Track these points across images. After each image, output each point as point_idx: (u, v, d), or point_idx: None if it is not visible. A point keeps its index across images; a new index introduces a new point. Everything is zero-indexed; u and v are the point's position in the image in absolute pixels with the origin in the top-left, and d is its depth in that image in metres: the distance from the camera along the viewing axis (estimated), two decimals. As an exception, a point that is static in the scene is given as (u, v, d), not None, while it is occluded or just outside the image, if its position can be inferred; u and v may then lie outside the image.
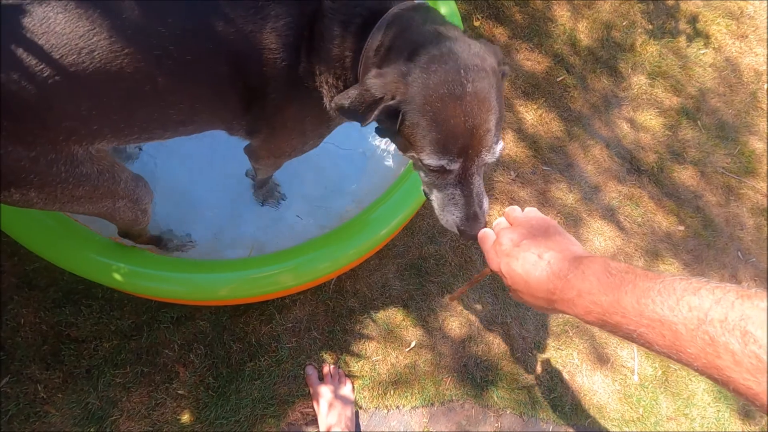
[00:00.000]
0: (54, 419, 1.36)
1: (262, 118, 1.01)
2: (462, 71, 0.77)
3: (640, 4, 2.43)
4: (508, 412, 1.61)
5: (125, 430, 1.39)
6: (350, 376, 1.55)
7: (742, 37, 2.50)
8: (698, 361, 0.47)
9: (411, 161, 0.90)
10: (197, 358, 1.49)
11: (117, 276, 1.26)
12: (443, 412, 1.58)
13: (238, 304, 1.55)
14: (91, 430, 1.37)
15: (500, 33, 2.20)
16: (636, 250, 1.96)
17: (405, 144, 0.85)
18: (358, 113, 0.81)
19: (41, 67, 0.75)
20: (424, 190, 0.95)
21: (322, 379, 1.51)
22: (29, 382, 1.38)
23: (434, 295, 1.69)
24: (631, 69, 2.29)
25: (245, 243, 1.58)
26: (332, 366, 1.53)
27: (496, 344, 1.68)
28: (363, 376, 1.55)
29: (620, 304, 0.54)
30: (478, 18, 2.21)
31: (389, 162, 1.72)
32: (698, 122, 2.26)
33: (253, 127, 1.05)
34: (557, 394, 1.66)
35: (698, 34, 2.45)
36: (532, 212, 0.75)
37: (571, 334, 1.76)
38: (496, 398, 1.61)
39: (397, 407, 1.55)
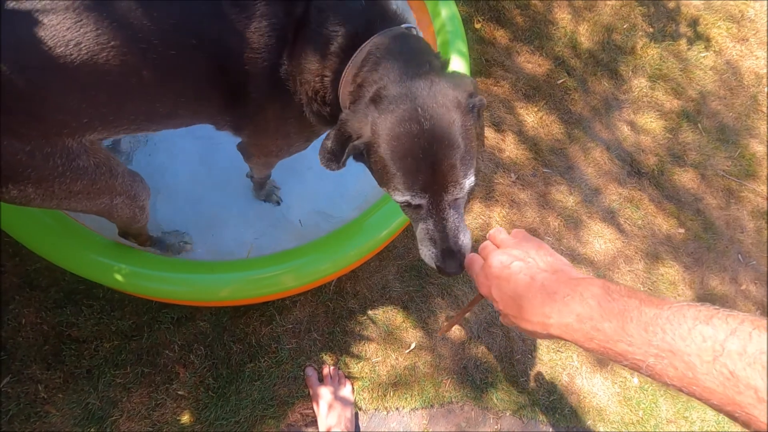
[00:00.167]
0: (54, 419, 1.37)
1: (245, 116, 1.02)
2: (419, 109, 0.78)
3: (640, 7, 2.44)
4: (508, 414, 1.61)
5: (125, 430, 1.39)
6: (350, 377, 1.55)
7: (743, 40, 2.51)
8: (715, 397, 0.44)
9: None
10: (197, 359, 1.49)
11: (118, 276, 1.26)
12: (443, 413, 1.58)
13: (238, 305, 1.55)
14: (92, 430, 1.38)
15: (501, 35, 2.21)
16: (636, 252, 1.96)
17: (377, 180, 0.86)
18: (335, 153, 0.83)
19: (31, 58, 0.75)
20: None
21: (321, 380, 1.51)
22: (30, 382, 1.39)
23: (434, 296, 1.70)
24: (632, 72, 2.30)
25: (245, 244, 1.58)
26: (332, 367, 1.54)
27: (495, 346, 1.68)
28: (363, 377, 1.56)
29: (626, 331, 0.51)
30: (479, 20, 2.21)
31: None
32: (699, 125, 2.26)
33: (238, 124, 1.06)
34: (557, 396, 1.66)
35: (699, 37, 2.45)
36: (521, 234, 0.72)
37: (570, 337, 1.76)
38: (495, 400, 1.61)
39: (397, 409, 1.55)
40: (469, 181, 0.82)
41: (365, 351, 1.59)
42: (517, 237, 0.71)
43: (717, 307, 0.47)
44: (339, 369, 1.55)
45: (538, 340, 1.73)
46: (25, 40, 0.75)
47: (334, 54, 0.89)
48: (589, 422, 1.66)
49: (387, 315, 1.65)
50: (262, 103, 0.98)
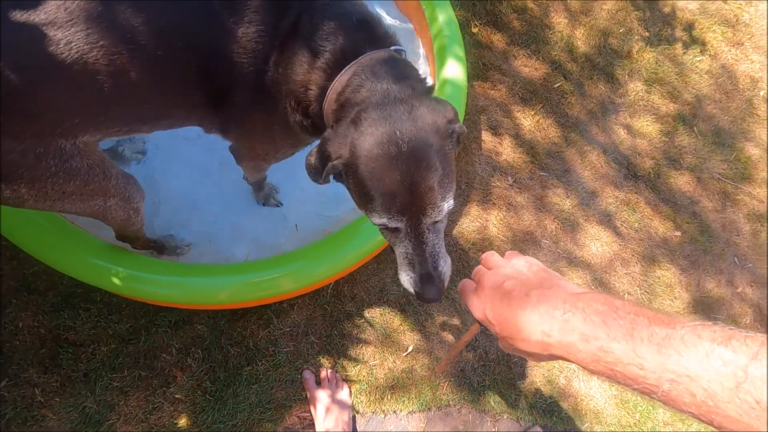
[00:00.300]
0: (51, 423, 1.36)
1: (231, 119, 1.03)
2: (398, 132, 0.78)
3: (636, 12, 2.45)
4: (505, 416, 1.61)
5: (122, 434, 1.39)
6: (347, 380, 1.55)
7: (738, 44, 2.53)
8: (738, 426, 0.41)
9: None
10: (195, 362, 1.49)
11: (115, 280, 1.26)
12: (440, 416, 1.58)
13: (236, 308, 1.56)
14: (88, 434, 1.38)
15: (498, 39, 2.22)
16: (633, 255, 1.97)
17: (356, 201, 0.86)
18: (316, 170, 0.84)
19: (24, 56, 0.76)
20: None
21: (319, 383, 1.51)
22: (27, 386, 1.39)
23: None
24: (628, 75, 2.31)
25: (243, 248, 1.59)
26: (329, 370, 1.54)
27: (492, 349, 1.68)
28: (360, 380, 1.56)
29: (637, 352, 0.47)
30: (476, 25, 2.23)
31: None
32: (695, 128, 2.27)
33: (225, 127, 1.07)
34: (554, 399, 1.66)
35: (694, 41, 2.47)
36: (513, 254, 0.69)
37: (568, 339, 1.76)
38: (493, 403, 1.61)
39: (394, 412, 1.55)
40: (448, 204, 0.82)
41: (363, 354, 1.60)
42: (510, 257, 0.69)
43: (731, 326, 0.44)
44: (336, 372, 1.55)
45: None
46: (18, 38, 0.76)
47: (319, 68, 0.89)
48: (586, 425, 1.66)
49: (384, 318, 1.65)
50: (247, 108, 0.99)
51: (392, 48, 0.93)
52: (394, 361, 1.60)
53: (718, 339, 0.43)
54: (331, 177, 0.85)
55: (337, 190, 1.68)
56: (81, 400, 1.40)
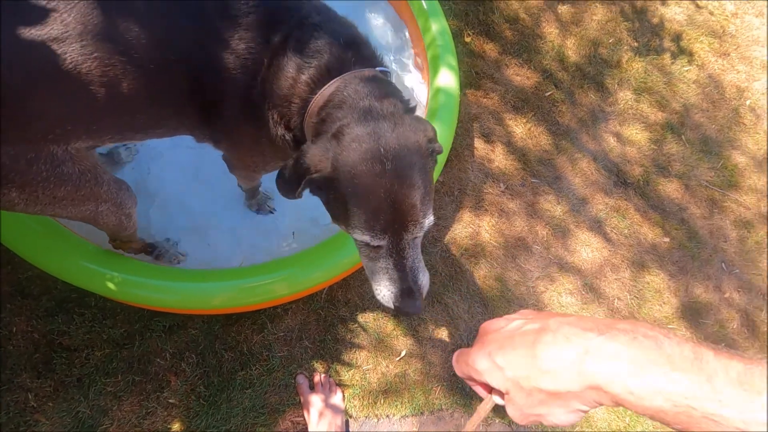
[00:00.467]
0: (44, 428, 1.36)
1: (221, 131, 1.05)
2: (382, 150, 0.79)
3: (625, 23, 2.51)
4: (497, 421, 1.63)
5: (115, 439, 1.39)
6: (341, 384, 1.56)
7: (725, 54, 2.59)
8: None
9: None
10: (189, 367, 1.50)
11: (110, 285, 1.27)
12: (433, 421, 1.59)
13: (230, 313, 1.57)
14: (81, 439, 1.38)
15: (490, 49, 2.26)
16: (623, 261, 2.00)
17: (334, 215, 0.87)
18: (291, 184, 0.84)
19: (19, 63, 0.78)
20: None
21: (312, 388, 1.52)
22: (20, 391, 1.39)
23: (425, 304, 1.72)
24: (618, 85, 2.36)
25: (238, 253, 1.60)
26: (323, 375, 1.55)
27: (485, 354, 1.70)
28: (353, 385, 1.57)
29: (714, 386, 0.38)
30: (469, 34, 2.27)
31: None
32: (682, 137, 2.32)
33: (215, 138, 1.09)
34: (545, 403, 1.68)
35: (682, 51, 2.53)
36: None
37: (559, 344, 1.79)
38: (485, 407, 1.63)
39: (387, 416, 1.56)
40: (429, 221, 0.83)
41: (356, 358, 1.61)
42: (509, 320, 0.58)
43: None
44: (330, 377, 1.56)
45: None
46: (14, 46, 0.77)
47: (303, 83, 0.91)
48: (576, 429, 1.68)
49: (378, 323, 1.66)
50: (236, 122, 1.01)
51: (378, 69, 0.95)
52: (387, 366, 1.62)
53: None
54: (306, 191, 0.86)
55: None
56: (74, 405, 1.40)
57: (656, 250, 2.05)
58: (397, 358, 1.63)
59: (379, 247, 0.84)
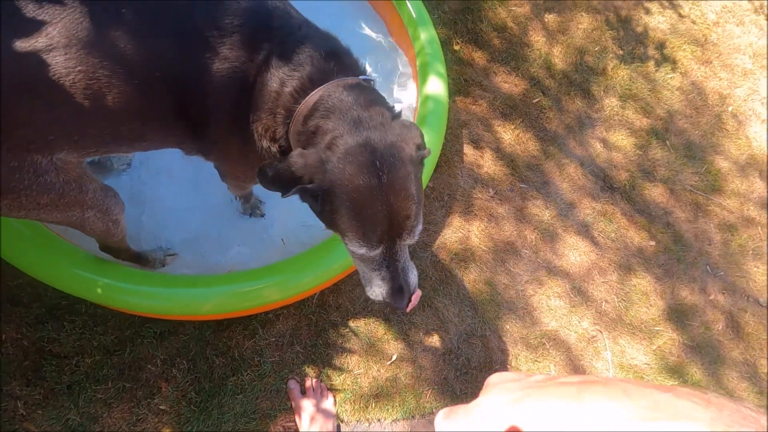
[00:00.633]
0: (33, 436, 1.36)
1: (209, 144, 1.07)
2: (378, 162, 0.81)
3: (611, 31, 2.57)
4: (488, 423, 1.64)
5: (106, 446, 1.39)
6: (332, 389, 1.57)
7: (707, 62, 2.65)
8: None
9: None
10: (180, 373, 1.50)
11: (101, 291, 1.28)
12: (424, 424, 1.60)
13: (221, 319, 1.57)
14: (71, 446, 1.37)
15: (479, 57, 2.31)
16: (610, 264, 2.03)
17: (329, 224, 0.89)
18: (278, 185, 0.86)
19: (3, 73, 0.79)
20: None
21: (304, 392, 1.53)
22: (9, 399, 1.38)
23: (415, 309, 1.74)
24: (603, 92, 2.41)
25: (229, 259, 1.61)
26: (314, 380, 1.56)
27: (475, 357, 1.72)
28: (345, 389, 1.58)
29: None
30: (457, 42, 2.31)
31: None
32: (667, 142, 2.37)
33: (205, 150, 1.11)
34: (535, 405, 1.70)
35: (666, 59, 2.59)
36: None
37: (548, 347, 1.81)
38: (475, 410, 1.64)
39: (379, 420, 1.57)
40: (420, 227, 0.87)
41: (347, 363, 1.62)
42: None
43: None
44: (321, 381, 1.57)
45: (516, 351, 1.77)
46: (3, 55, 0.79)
47: (287, 94, 0.93)
48: (566, 430, 1.70)
49: (369, 327, 1.68)
50: (224, 138, 1.03)
51: (361, 77, 0.97)
52: (379, 370, 1.63)
53: None
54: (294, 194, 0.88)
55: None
56: (64, 413, 1.40)
57: (642, 253, 2.09)
58: (388, 362, 1.64)
59: (374, 255, 0.87)
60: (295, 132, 0.93)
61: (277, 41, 0.93)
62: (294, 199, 1.76)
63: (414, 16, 1.92)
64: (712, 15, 2.80)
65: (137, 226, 1.59)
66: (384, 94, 1.01)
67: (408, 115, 1.89)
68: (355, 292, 1.71)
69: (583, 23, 2.55)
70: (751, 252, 2.23)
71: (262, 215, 1.68)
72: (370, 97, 0.93)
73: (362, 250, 0.86)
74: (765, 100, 2.63)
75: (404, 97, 2.01)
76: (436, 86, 1.75)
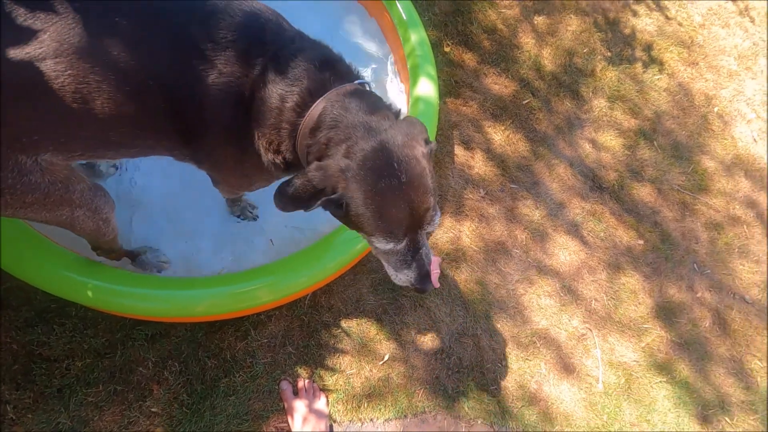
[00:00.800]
0: (23, 440, 1.35)
1: (203, 154, 1.07)
2: (395, 164, 0.86)
3: (599, 33, 2.60)
4: (479, 422, 1.66)
5: (97, 449, 1.38)
6: (325, 389, 1.57)
7: (693, 64, 2.70)
8: None
9: None
10: (172, 375, 1.50)
11: (91, 294, 1.27)
12: (416, 423, 1.61)
13: (213, 321, 1.57)
14: (62, 450, 1.36)
15: (469, 58, 2.33)
16: (599, 263, 2.06)
17: (354, 227, 0.94)
18: (300, 201, 0.89)
19: None
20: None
21: (296, 393, 1.53)
22: (-2, 403, 1.37)
23: (407, 309, 1.75)
24: (592, 93, 2.44)
25: (220, 260, 1.61)
26: (307, 380, 1.56)
27: (467, 356, 1.73)
28: (337, 389, 1.59)
29: None
30: (448, 44, 2.33)
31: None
32: (654, 143, 2.40)
33: (198, 159, 1.11)
34: (526, 403, 1.72)
35: (653, 61, 2.63)
36: None
37: (538, 345, 1.83)
38: (467, 409, 1.66)
39: (371, 420, 1.58)
40: (438, 215, 0.93)
41: (340, 363, 1.63)
42: None
43: None
44: (314, 382, 1.58)
45: (507, 349, 1.79)
46: None
47: (289, 110, 0.95)
48: (557, 427, 1.72)
49: (361, 327, 1.69)
50: (220, 148, 1.04)
51: (356, 82, 0.99)
52: (371, 370, 1.64)
53: None
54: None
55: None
56: (54, 417, 1.39)
57: (631, 252, 2.12)
58: (381, 362, 1.65)
59: (400, 248, 0.93)
60: (304, 145, 0.96)
61: (270, 55, 0.95)
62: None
63: (404, 17, 1.93)
64: (698, 17, 2.85)
65: (127, 228, 1.58)
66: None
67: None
68: (347, 293, 1.72)
69: (571, 25, 2.58)
70: (737, 250, 2.27)
71: (254, 219, 1.68)
72: (370, 100, 0.96)
73: (389, 246, 0.91)
74: (750, 101, 2.68)
75: (394, 100, 2.02)
76: (427, 88, 1.76)
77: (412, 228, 0.90)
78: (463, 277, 1.87)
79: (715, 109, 2.60)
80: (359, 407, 1.58)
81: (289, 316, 1.64)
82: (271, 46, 0.96)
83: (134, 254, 1.45)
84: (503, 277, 1.92)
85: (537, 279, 1.95)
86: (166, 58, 0.91)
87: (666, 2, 2.84)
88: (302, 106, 0.95)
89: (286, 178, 0.97)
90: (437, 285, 1.01)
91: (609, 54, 2.56)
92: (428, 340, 1.73)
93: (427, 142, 0.95)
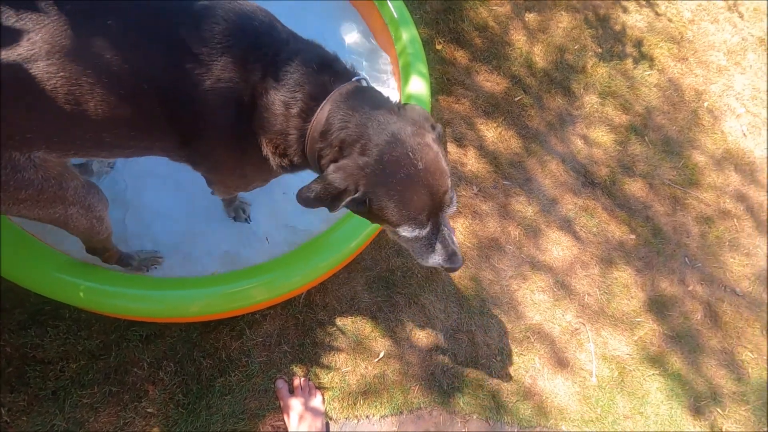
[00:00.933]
0: (18, 443, 1.35)
1: (200, 156, 1.08)
2: (411, 153, 0.89)
3: (590, 30, 2.62)
4: (475, 417, 1.67)
5: (93, 451, 1.38)
6: (320, 387, 1.58)
7: (683, 59, 2.72)
8: None
9: None
10: (167, 376, 1.50)
11: (84, 295, 1.27)
12: (412, 419, 1.62)
13: (208, 321, 1.57)
14: (57, 452, 1.36)
15: (461, 56, 2.33)
16: (592, 258, 2.08)
17: (378, 221, 0.97)
18: (324, 203, 0.92)
19: None
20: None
21: (292, 391, 1.54)
22: (-8, 406, 1.37)
23: (402, 306, 1.76)
24: (584, 89, 2.46)
25: (214, 260, 1.61)
26: (302, 378, 1.57)
27: (461, 352, 1.75)
28: (333, 387, 1.59)
29: None
30: (439, 42, 2.33)
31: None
32: (645, 138, 2.43)
33: (194, 161, 1.11)
34: (520, 397, 1.74)
35: (643, 56, 2.65)
36: None
37: (532, 340, 1.85)
38: (462, 404, 1.67)
39: (367, 417, 1.59)
40: (455, 196, 0.97)
41: (335, 361, 1.63)
42: None
43: None
44: (309, 380, 1.58)
45: (502, 345, 1.81)
46: None
47: (295, 116, 0.96)
48: (551, 421, 1.73)
49: (356, 325, 1.69)
50: (219, 152, 1.05)
51: (354, 79, 1.00)
52: (366, 367, 1.65)
53: None
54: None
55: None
56: (49, 419, 1.39)
57: (623, 246, 2.14)
58: (376, 360, 1.66)
59: (424, 234, 0.96)
60: (315, 149, 0.97)
61: (268, 60, 0.95)
62: (278, 200, 1.76)
63: (396, 16, 1.94)
64: (687, 13, 2.88)
65: (121, 228, 1.58)
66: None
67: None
68: (341, 291, 1.73)
69: (562, 22, 2.60)
70: (727, 243, 2.29)
71: (247, 220, 1.67)
72: (372, 96, 0.98)
73: (414, 233, 0.94)
74: (739, 96, 2.71)
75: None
76: (419, 86, 1.76)
77: (434, 212, 0.93)
78: (457, 273, 1.88)
79: (705, 104, 2.62)
80: (355, 404, 1.59)
81: (284, 314, 1.65)
82: (268, 49, 0.96)
83: (129, 257, 1.45)
84: (497, 273, 1.93)
85: (530, 274, 1.96)
86: (161, 62, 0.91)
87: (656, -2, 2.86)
88: (307, 112, 0.96)
89: (290, 174, 1.00)
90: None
91: (600, 50, 2.58)
92: (423, 337, 1.74)
93: (433, 127, 0.98)
